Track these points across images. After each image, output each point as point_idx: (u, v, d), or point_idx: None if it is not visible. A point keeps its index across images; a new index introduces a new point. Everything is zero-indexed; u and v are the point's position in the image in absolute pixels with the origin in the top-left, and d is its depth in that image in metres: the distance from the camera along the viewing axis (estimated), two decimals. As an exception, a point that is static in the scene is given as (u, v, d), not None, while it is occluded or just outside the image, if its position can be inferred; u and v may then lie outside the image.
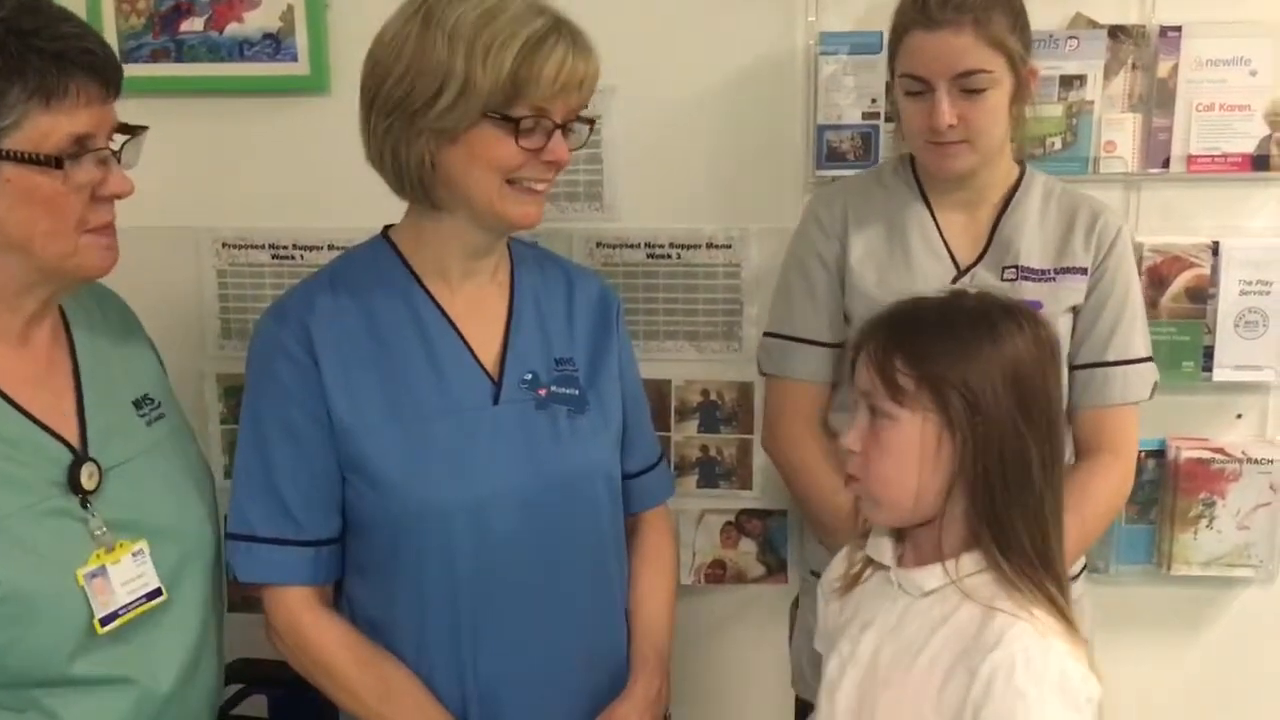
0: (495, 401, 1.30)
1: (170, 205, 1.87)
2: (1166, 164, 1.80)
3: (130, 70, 1.80)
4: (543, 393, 1.32)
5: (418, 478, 1.25)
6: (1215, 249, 1.80)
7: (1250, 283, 1.80)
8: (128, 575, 1.14)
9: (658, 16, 1.84)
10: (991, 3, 1.43)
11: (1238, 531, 1.85)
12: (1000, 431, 1.06)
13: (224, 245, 1.97)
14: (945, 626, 1.08)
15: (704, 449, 1.97)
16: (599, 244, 1.92)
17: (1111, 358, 1.55)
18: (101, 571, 1.12)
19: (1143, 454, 1.81)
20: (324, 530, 1.28)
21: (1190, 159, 1.79)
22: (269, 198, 1.94)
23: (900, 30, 1.48)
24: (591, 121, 1.29)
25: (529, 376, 1.32)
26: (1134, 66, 1.78)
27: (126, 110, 1.17)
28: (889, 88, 1.79)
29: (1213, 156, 1.79)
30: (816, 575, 1.67)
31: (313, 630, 1.28)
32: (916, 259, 1.57)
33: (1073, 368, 1.57)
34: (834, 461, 1.60)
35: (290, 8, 1.86)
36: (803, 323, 1.62)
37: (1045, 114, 1.77)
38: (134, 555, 1.15)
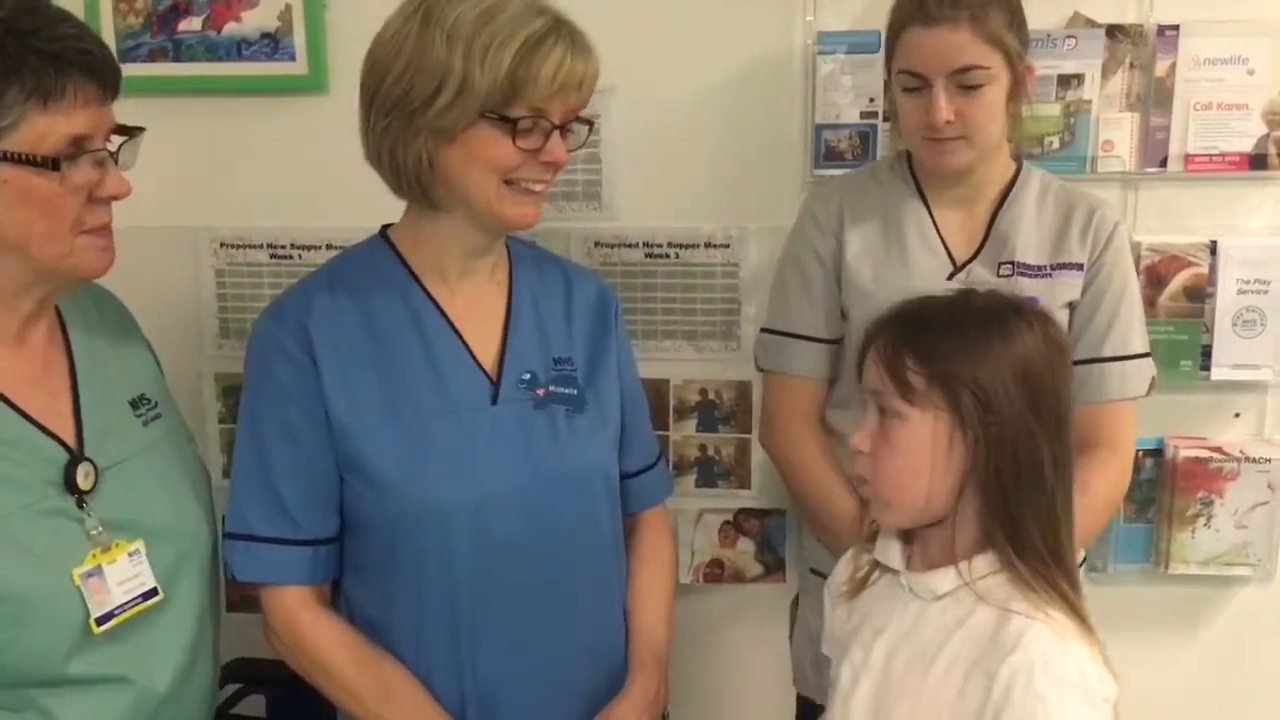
0: (493, 401, 1.30)
1: (168, 205, 1.87)
2: (1164, 163, 1.80)
3: (128, 70, 1.80)
4: (541, 392, 1.32)
5: (416, 478, 1.25)
6: (1213, 248, 1.80)
7: (1248, 282, 1.80)
8: (124, 575, 1.14)
9: (656, 16, 1.84)
10: None
11: (1236, 530, 1.85)
12: (1012, 430, 1.05)
13: (222, 245, 1.97)
14: (960, 630, 1.07)
15: (702, 448, 1.97)
16: (597, 243, 1.92)
17: (1108, 353, 1.56)
18: (97, 571, 1.12)
19: (1141, 453, 1.81)
20: (322, 530, 1.28)
21: (1188, 158, 1.79)
22: (267, 197, 1.94)
23: (898, 27, 1.48)
24: (590, 122, 1.29)
25: (527, 376, 1.32)
26: (1132, 66, 1.78)
27: (124, 110, 1.17)
28: (887, 87, 1.79)
29: (1210, 156, 1.79)
30: (816, 573, 1.68)
31: (310, 630, 1.28)
32: (913, 255, 1.57)
33: None
34: (831, 458, 1.61)
35: (288, 7, 1.86)
36: (799, 319, 1.63)
37: (1043, 113, 1.77)
38: (130, 555, 1.15)
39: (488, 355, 1.32)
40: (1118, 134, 1.80)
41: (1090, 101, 1.78)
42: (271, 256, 1.96)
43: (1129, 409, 1.58)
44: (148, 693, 1.17)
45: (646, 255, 1.92)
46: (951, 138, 1.46)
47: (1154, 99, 1.78)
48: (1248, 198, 1.82)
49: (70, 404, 1.18)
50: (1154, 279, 1.80)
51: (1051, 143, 1.80)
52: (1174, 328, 1.81)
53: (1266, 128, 1.77)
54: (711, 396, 1.95)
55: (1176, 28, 1.76)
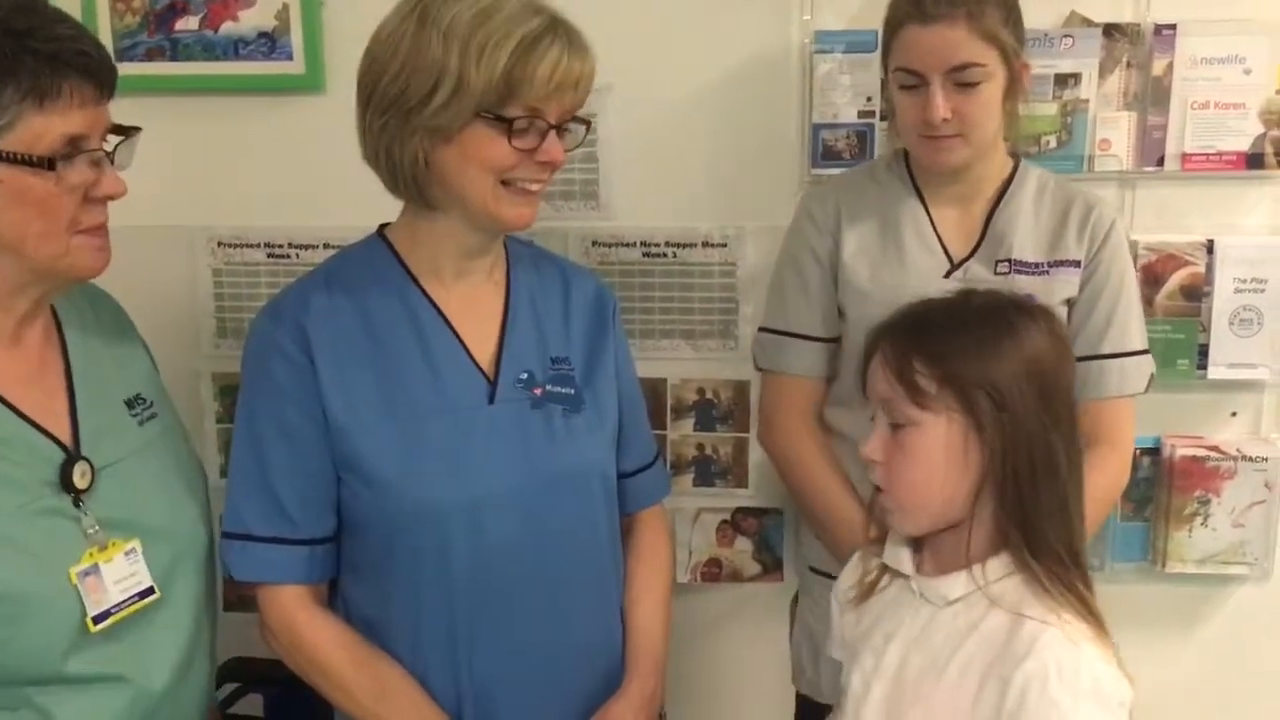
0: (490, 401, 1.30)
1: (165, 204, 1.86)
2: (1161, 162, 1.80)
3: (125, 69, 1.79)
4: (538, 392, 1.32)
5: (413, 477, 1.25)
6: (1210, 247, 1.80)
7: (1245, 281, 1.80)
8: (120, 574, 1.14)
9: (654, 15, 1.83)
10: None
11: (1232, 529, 1.85)
12: (1027, 429, 1.05)
13: (219, 244, 1.97)
14: (973, 636, 1.06)
15: (700, 447, 1.97)
16: (595, 243, 1.92)
17: (1107, 350, 1.56)
18: (94, 570, 1.12)
19: (1138, 452, 1.81)
20: (319, 529, 1.28)
21: (1185, 157, 1.79)
22: (264, 197, 1.94)
23: (894, 24, 1.48)
24: (587, 122, 1.29)
25: (524, 376, 1.32)
26: (1129, 65, 1.78)
27: (121, 109, 1.17)
28: (884, 85, 1.79)
29: (1207, 155, 1.79)
30: (815, 570, 1.69)
31: (307, 629, 1.28)
32: (910, 253, 1.57)
33: None
34: (830, 456, 1.62)
35: (285, 6, 1.86)
36: (796, 318, 1.63)
37: (1040, 112, 1.77)
38: (126, 554, 1.15)
39: (485, 354, 1.32)
40: (1115, 133, 1.80)
41: (1087, 101, 1.78)
42: (269, 256, 1.96)
43: (1128, 406, 1.58)
44: (144, 691, 1.17)
45: (644, 254, 1.92)
46: (948, 135, 1.46)
47: (1151, 98, 1.78)
48: (1245, 197, 1.82)
49: (66, 403, 1.18)
50: (1151, 278, 1.80)
51: (1048, 142, 1.80)
52: (1171, 327, 1.81)
53: (1263, 127, 1.77)
54: (709, 396, 1.96)
55: (1173, 27, 1.76)
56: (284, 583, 1.28)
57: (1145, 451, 1.86)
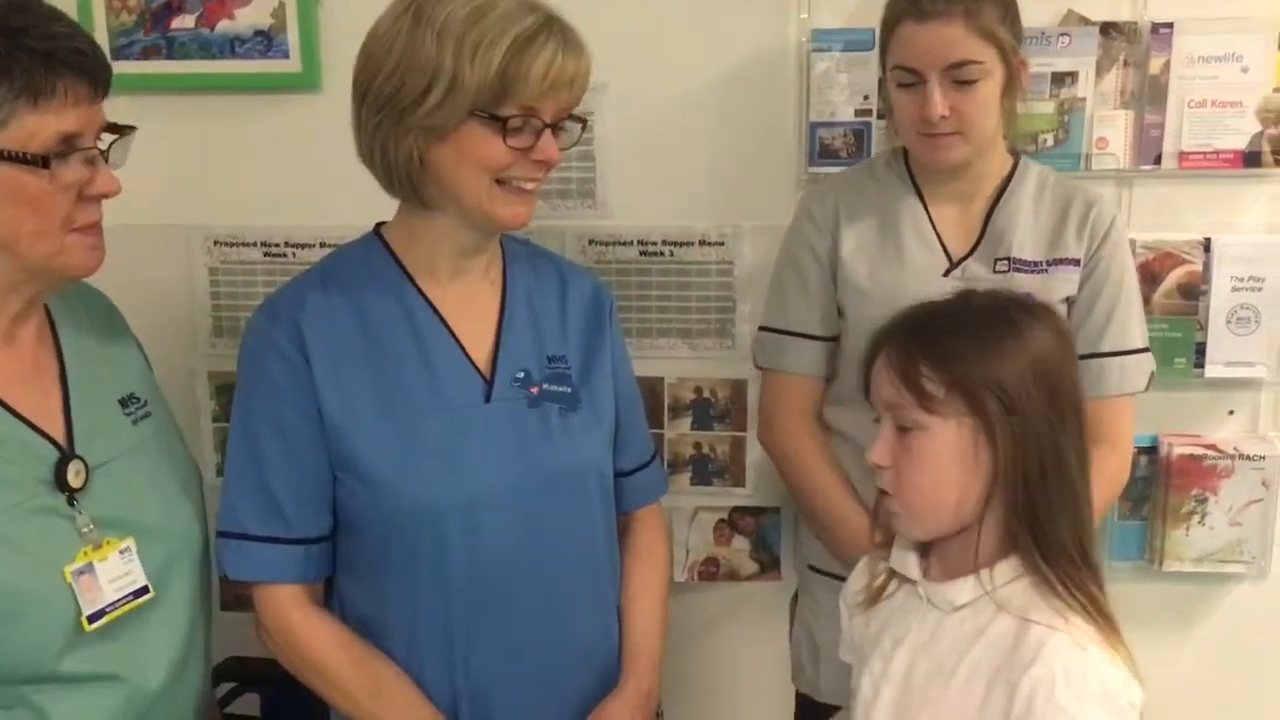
0: (487, 399, 1.30)
1: (162, 203, 1.86)
2: (1158, 160, 1.80)
3: (121, 67, 1.80)
4: (535, 391, 1.32)
5: (409, 476, 1.25)
6: (1207, 245, 1.80)
7: (1242, 279, 1.80)
8: (115, 573, 1.14)
9: (650, 14, 1.83)
10: None
11: (1230, 528, 1.85)
12: (1036, 430, 1.04)
13: (216, 243, 1.96)
14: (980, 641, 1.06)
15: (697, 446, 1.97)
16: (592, 241, 1.92)
17: (1107, 348, 1.55)
18: (89, 569, 1.12)
19: (1135, 450, 1.80)
20: (314, 528, 1.28)
21: (1182, 155, 1.79)
22: (261, 195, 1.93)
23: (891, 22, 1.48)
24: (583, 120, 1.29)
25: (521, 374, 1.32)
26: (1126, 63, 1.78)
27: (117, 108, 1.17)
28: (881, 84, 1.79)
29: (1204, 153, 1.79)
30: (814, 569, 1.68)
31: (303, 629, 1.27)
32: (909, 252, 1.57)
33: None
34: (829, 455, 1.62)
35: (281, 5, 1.86)
36: (796, 317, 1.63)
37: (1037, 111, 1.77)
38: (121, 553, 1.15)
39: (481, 353, 1.32)
40: (1112, 131, 1.80)
41: (1084, 99, 1.78)
42: (265, 254, 1.96)
43: (1128, 404, 1.58)
44: (140, 690, 1.17)
45: (641, 253, 1.92)
46: (947, 133, 1.46)
47: (1148, 96, 1.78)
48: (1242, 195, 1.82)
49: (60, 402, 1.18)
50: (1148, 276, 1.80)
51: (1046, 140, 1.80)
52: (1168, 325, 1.81)
53: (1260, 125, 1.77)
54: (706, 394, 1.95)
55: (1170, 25, 1.76)
56: (279, 582, 1.28)
57: (1142, 450, 1.85)
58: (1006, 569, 1.07)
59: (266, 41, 1.87)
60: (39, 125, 1.06)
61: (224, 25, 1.88)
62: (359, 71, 1.24)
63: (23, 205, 1.08)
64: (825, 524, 1.60)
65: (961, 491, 1.06)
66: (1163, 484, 1.86)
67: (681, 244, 1.91)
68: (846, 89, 1.82)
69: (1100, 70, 1.78)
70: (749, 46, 1.84)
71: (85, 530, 1.14)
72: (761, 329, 1.69)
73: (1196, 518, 1.85)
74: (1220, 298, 1.80)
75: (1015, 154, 1.61)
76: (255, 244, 1.96)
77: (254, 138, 1.92)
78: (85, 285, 1.25)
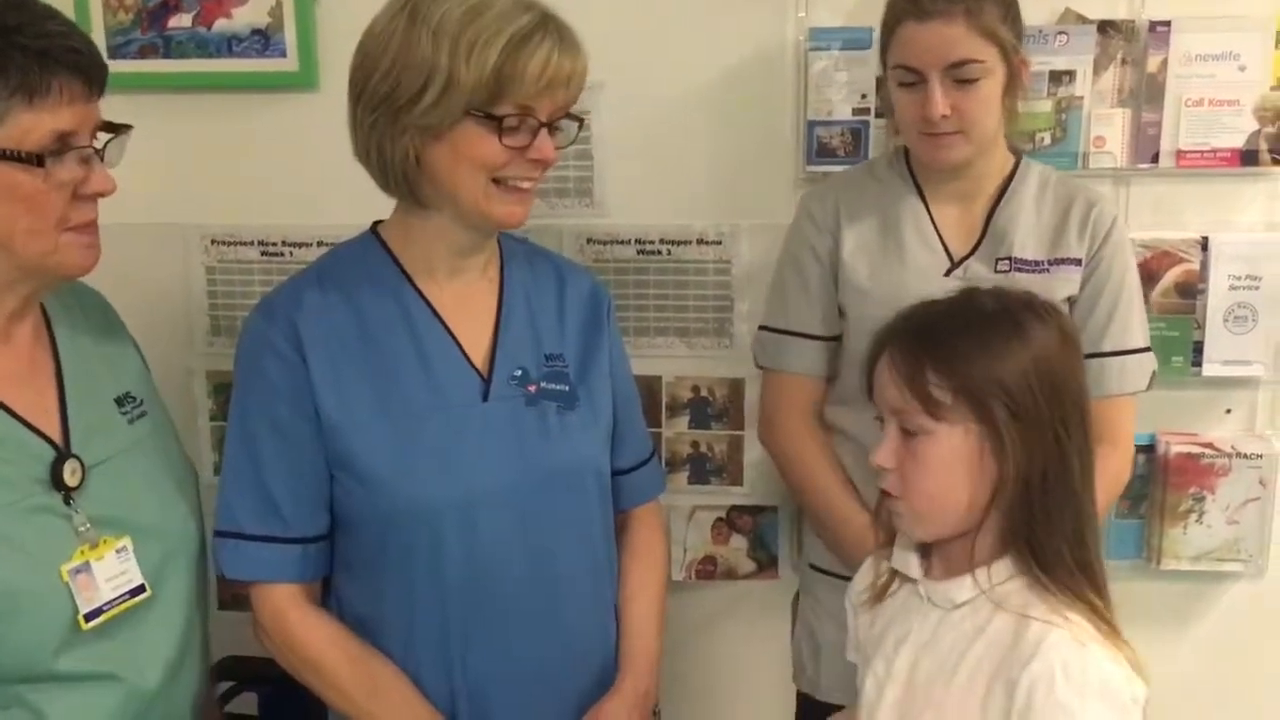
0: (485, 398, 1.30)
1: (159, 202, 1.86)
2: (1156, 159, 1.80)
3: (118, 66, 1.80)
4: (532, 389, 1.32)
5: (406, 474, 1.25)
6: (1204, 244, 1.80)
7: (1239, 278, 1.80)
8: (111, 571, 1.14)
9: (648, 12, 1.83)
10: None
11: (1227, 526, 1.85)
12: (1042, 436, 1.03)
13: (213, 242, 1.96)
14: (980, 639, 1.06)
15: (695, 445, 1.97)
16: (589, 240, 1.92)
17: (1108, 348, 1.55)
18: (85, 568, 1.12)
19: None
20: (311, 528, 1.28)
21: (1179, 154, 1.79)
22: (258, 194, 1.93)
23: (892, 22, 1.48)
24: (580, 119, 1.29)
25: (518, 373, 1.32)
26: (1123, 62, 1.78)
27: (115, 106, 1.17)
28: (879, 83, 1.79)
29: (1202, 152, 1.79)
30: (816, 569, 1.68)
31: (300, 628, 1.27)
32: (910, 251, 1.57)
33: None
34: (830, 455, 1.62)
35: (279, 3, 1.86)
36: (797, 316, 1.62)
37: (1034, 109, 1.77)
38: (117, 552, 1.15)
39: (479, 352, 1.32)
40: (1109, 130, 1.80)
41: (1082, 98, 1.78)
42: (262, 253, 1.96)
43: (1128, 404, 1.58)
44: (137, 689, 1.17)
45: (639, 252, 1.92)
46: (948, 132, 1.46)
47: (1145, 95, 1.78)
48: (1239, 194, 1.82)
49: (56, 401, 1.17)
50: (1146, 275, 1.79)
51: (1043, 139, 1.80)
52: (1165, 324, 1.81)
53: (1258, 124, 1.77)
54: (704, 393, 1.95)
55: (1168, 24, 1.76)
56: (276, 581, 1.27)
57: (1140, 449, 1.85)
58: (1003, 568, 1.07)
59: (264, 40, 1.87)
60: (34, 123, 1.06)
61: (221, 24, 1.88)
62: (355, 70, 1.24)
63: (17, 204, 1.07)
64: (827, 524, 1.60)
65: (969, 495, 1.06)
66: (1160, 482, 1.86)
67: (679, 243, 1.90)
68: (844, 88, 1.82)
69: (1098, 69, 1.78)
70: (747, 45, 1.84)
71: (82, 529, 1.14)
72: (762, 329, 1.68)
73: (1194, 516, 1.85)
74: (1218, 296, 1.80)
75: (1017, 153, 1.61)
76: (252, 243, 1.96)
77: (251, 137, 1.92)
78: (81, 284, 1.25)
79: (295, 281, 1.32)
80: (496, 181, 1.23)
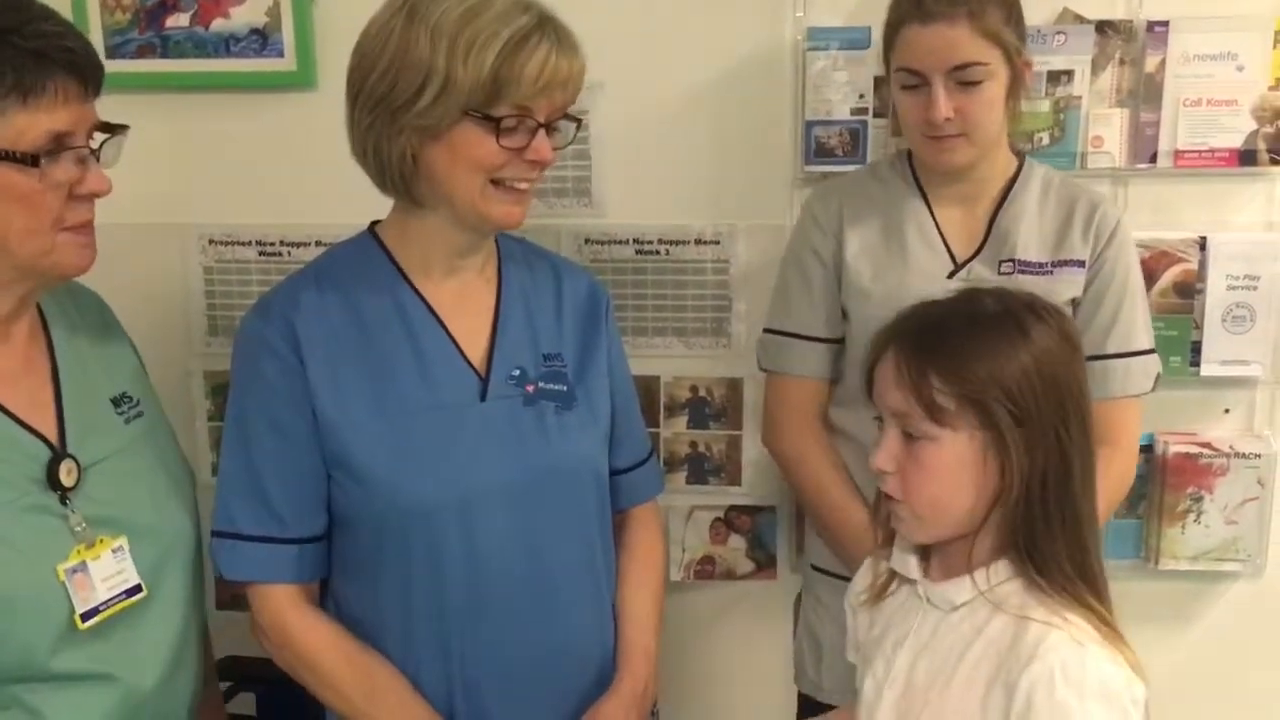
0: (482, 398, 1.30)
1: (157, 202, 1.86)
2: (1154, 159, 1.80)
3: (116, 66, 1.80)
4: (530, 389, 1.32)
5: (404, 474, 1.25)
6: (1203, 244, 1.80)
7: (1237, 278, 1.80)
8: (108, 571, 1.14)
9: (646, 12, 1.83)
10: None
11: (1225, 526, 1.85)
12: (1043, 438, 1.03)
13: (210, 242, 1.96)
14: (979, 640, 1.06)
15: (693, 445, 1.97)
16: (587, 240, 1.91)
17: (1112, 350, 1.55)
18: (82, 567, 1.12)
19: (1132, 449, 1.81)
20: (309, 528, 1.28)
21: (1177, 154, 1.79)
22: (255, 194, 1.93)
23: (895, 24, 1.48)
24: (578, 120, 1.29)
25: (516, 372, 1.32)
26: (1121, 61, 1.78)
27: (112, 106, 1.16)
28: (878, 83, 1.79)
29: (1200, 151, 1.79)
30: (819, 570, 1.68)
31: (297, 628, 1.27)
32: (913, 254, 1.56)
33: None
34: (835, 458, 1.61)
35: (276, 3, 1.85)
36: (800, 319, 1.62)
37: (1032, 109, 1.76)
38: (114, 552, 1.15)
39: (477, 351, 1.32)
40: (1107, 130, 1.79)
41: (1080, 97, 1.78)
42: (260, 253, 1.95)
43: (1132, 406, 1.58)
44: (135, 689, 1.17)
45: (637, 252, 1.91)
46: (951, 135, 1.46)
47: (1143, 95, 1.78)
48: (1237, 194, 1.82)
49: (52, 401, 1.17)
50: (1144, 275, 1.78)
51: (1041, 139, 1.80)
52: (1164, 324, 1.81)
53: (1256, 123, 1.77)
54: (702, 393, 1.95)
55: (1166, 24, 1.76)
56: (274, 582, 1.27)
57: (1138, 448, 1.85)
58: (1002, 569, 1.07)
59: (261, 40, 1.87)
60: (29, 124, 1.06)
61: (219, 24, 1.87)
62: (352, 70, 1.24)
63: (12, 204, 1.07)
64: (831, 526, 1.60)
65: (971, 500, 1.06)
66: (1158, 482, 1.86)
67: (677, 243, 1.90)
68: (842, 87, 1.82)
69: (1096, 68, 1.78)
70: (745, 45, 1.84)
71: (78, 529, 1.14)
72: (766, 331, 1.68)
73: (1192, 516, 1.85)
74: (1216, 296, 1.80)
75: (1020, 155, 1.61)
76: (250, 243, 1.95)
77: (249, 136, 1.92)
78: (77, 284, 1.25)
79: (292, 281, 1.32)
80: (494, 182, 1.23)
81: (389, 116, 1.20)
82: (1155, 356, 1.59)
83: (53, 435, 1.15)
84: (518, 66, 1.17)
